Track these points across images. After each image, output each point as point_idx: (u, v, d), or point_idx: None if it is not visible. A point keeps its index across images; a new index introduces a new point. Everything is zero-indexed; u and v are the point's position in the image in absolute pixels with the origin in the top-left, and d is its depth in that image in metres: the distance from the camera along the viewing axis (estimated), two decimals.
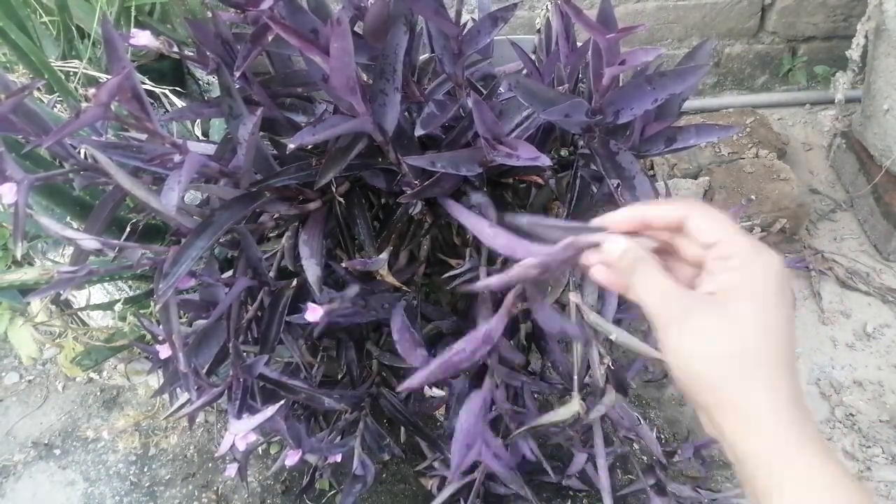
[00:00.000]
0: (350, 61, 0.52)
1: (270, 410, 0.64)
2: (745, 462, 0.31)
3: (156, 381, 1.24)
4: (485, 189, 0.67)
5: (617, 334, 0.69)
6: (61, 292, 1.05)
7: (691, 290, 0.35)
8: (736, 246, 0.34)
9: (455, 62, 0.64)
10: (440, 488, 0.95)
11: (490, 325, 0.44)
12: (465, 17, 0.69)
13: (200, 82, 1.25)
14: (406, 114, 0.67)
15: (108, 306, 1.00)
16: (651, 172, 1.47)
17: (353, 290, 0.69)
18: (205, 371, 0.70)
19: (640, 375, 1.22)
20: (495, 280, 0.38)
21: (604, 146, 0.60)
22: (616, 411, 0.75)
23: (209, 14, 0.63)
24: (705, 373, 0.32)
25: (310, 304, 0.66)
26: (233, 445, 0.63)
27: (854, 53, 1.42)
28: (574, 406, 0.70)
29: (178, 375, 0.69)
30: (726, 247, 0.34)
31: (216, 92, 0.97)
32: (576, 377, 0.72)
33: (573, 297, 0.72)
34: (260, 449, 1.17)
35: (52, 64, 0.94)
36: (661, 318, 0.34)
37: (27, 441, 1.23)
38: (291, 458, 0.74)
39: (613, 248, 0.36)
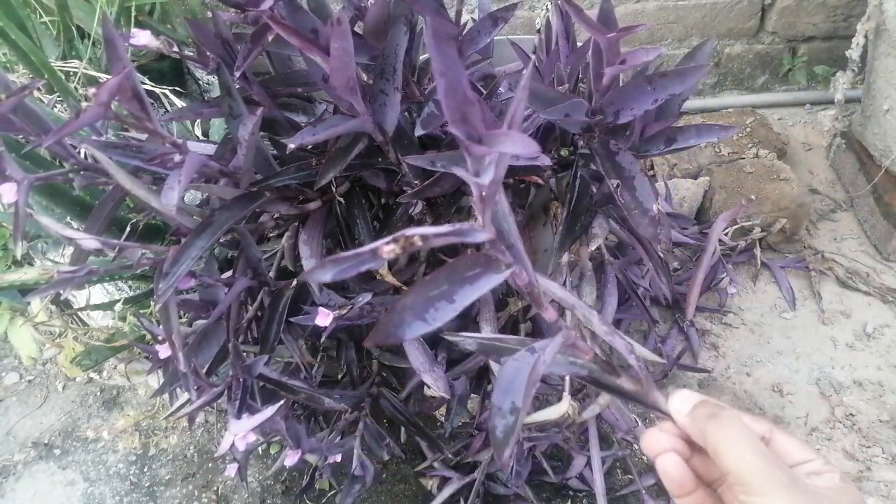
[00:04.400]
0: (350, 61, 0.52)
1: (270, 410, 0.64)
2: None
3: (156, 381, 1.24)
4: None
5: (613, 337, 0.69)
6: (61, 292, 1.05)
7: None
8: (831, 466, 0.33)
9: None
10: (440, 488, 0.95)
11: None
12: (466, 17, 0.69)
13: (200, 82, 1.25)
14: (406, 114, 0.67)
15: (108, 306, 1.00)
16: (651, 172, 1.47)
17: (366, 297, 0.69)
18: (205, 371, 0.70)
19: None
20: None
21: (604, 146, 0.60)
22: (612, 413, 0.75)
23: (209, 14, 0.63)
24: None
25: (320, 309, 0.66)
26: (232, 445, 0.63)
27: (854, 53, 1.42)
28: (563, 406, 0.69)
29: (177, 375, 0.69)
30: (822, 465, 0.33)
31: (216, 92, 0.97)
32: (567, 377, 0.72)
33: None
34: (260, 449, 1.17)
35: (52, 64, 0.94)
36: (761, 479, 0.30)
37: (27, 441, 1.23)
38: (291, 458, 0.74)
39: (683, 403, 0.34)
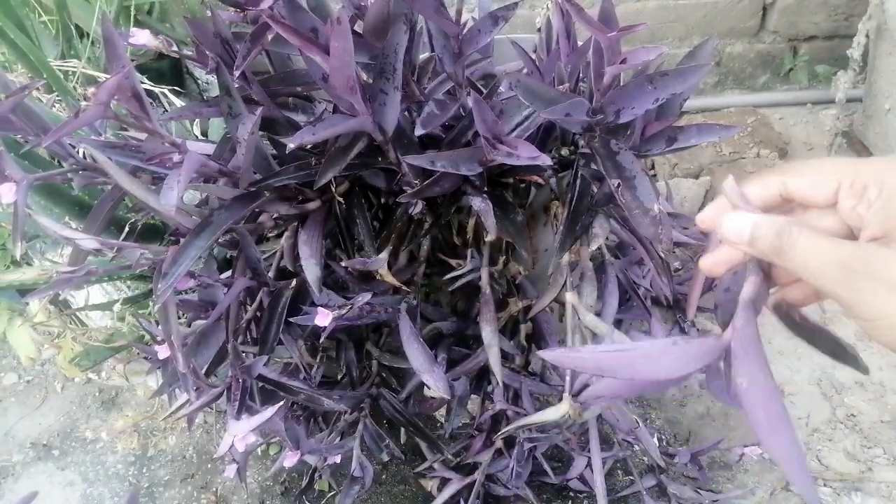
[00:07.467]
0: (350, 61, 0.51)
1: (269, 411, 0.64)
2: None
3: (155, 381, 1.23)
4: (485, 189, 0.67)
5: (614, 337, 0.69)
6: (60, 292, 1.05)
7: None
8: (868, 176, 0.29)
9: (455, 61, 0.64)
10: (440, 489, 0.94)
11: None
12: (466, 16, 0.68)
13: (199, 82, 1.25)
14: (406, 113, 0.66)
15: (106, 306, 1.00)
16: (652, 172, 1.47)
17: (365, 297, 0.69)
18: (204, 372, 0.69)
19: None
20: None
21: (604, 146, 0.60)
22: (613, 413, 0.74)
23: (208, 13, 0.63)
24: None
25: (320, 310, 0.66)
26: (232, 446, 0.63)
27: (855, 53, 1.42)
28: (563, 407, 0.69)
29: (176, 376, 0.69)
30: (850, 186, 0.30)
31: (215, 91, 0.96)
32: (568, 378, 0.71)
33: (570, 298, 0.72)
34: (259, 450, 1.16)
35: (51, 63, 0.94)
36: (844, 280, 0.28)
37: (26, 442, 1.23)
38: (290, 459, 0.73)
39: (738, 227, 0.30)
